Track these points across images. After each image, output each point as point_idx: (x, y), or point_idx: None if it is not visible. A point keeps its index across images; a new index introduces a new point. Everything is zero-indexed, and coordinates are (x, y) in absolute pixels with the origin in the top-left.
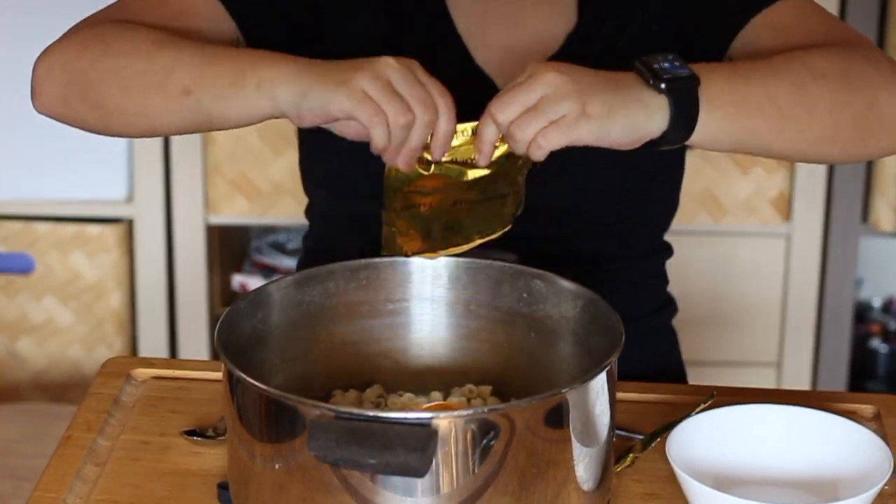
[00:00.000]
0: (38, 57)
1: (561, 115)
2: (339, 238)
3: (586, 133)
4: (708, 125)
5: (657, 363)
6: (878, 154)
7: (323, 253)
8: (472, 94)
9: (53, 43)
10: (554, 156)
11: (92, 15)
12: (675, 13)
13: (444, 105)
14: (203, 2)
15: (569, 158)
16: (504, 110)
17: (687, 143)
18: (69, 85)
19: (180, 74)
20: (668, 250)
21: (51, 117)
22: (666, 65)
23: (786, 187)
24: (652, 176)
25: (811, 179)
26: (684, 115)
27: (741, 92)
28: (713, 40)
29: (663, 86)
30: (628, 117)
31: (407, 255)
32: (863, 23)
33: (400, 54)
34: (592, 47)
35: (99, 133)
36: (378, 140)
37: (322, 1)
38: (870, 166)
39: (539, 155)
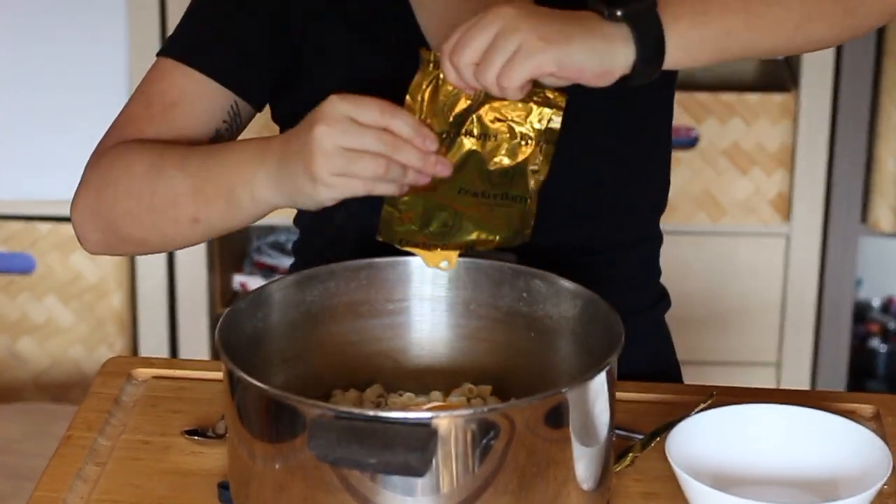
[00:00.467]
0: (71, 206)
1: (517, 45)
2: (327, 246)
3: (548, 60)
4: (677, 42)
5: (651, 359)
6: (869, 23)
7: (316, 253)
8: None
9: (78, 190)
10: None
11: (101, 140)
12: None
13: (391, 118)
14: (187, 81)
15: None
16: (460, 52)
17: (666, 67)
18: (103, 231)
19: (183, 206)
20: (659, 238)
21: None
22: None
23: (785, 187)
24: (641, 157)
25: (810, 179)
26: (650, 39)
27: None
28: None
29: (619, 13)
30: (588, 44)
31: (401, 246)
32: None
33: (373, 65)
34: None
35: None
36: (390, 189)
37: (300, 31)
38: (869, 167)
39: (510, 94)
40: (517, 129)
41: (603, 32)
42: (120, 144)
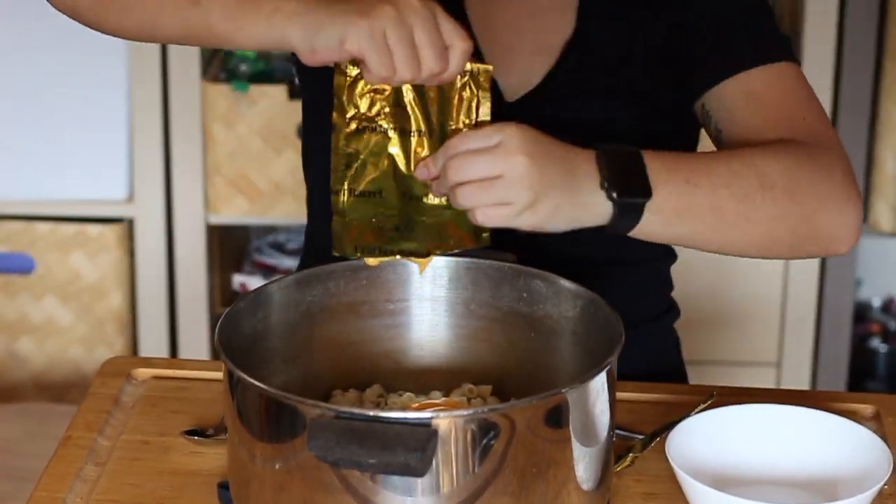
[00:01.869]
0: None
1: (512, 199)
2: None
3: (526, 224)
4: (646, 227)
5: (658, 366)
6: (810, 257)
7: (324, 250)
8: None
9: None
10: None
11: None
12: (672, 34)
13: (458, 53)
14: None
15: None
16: (460, 171)
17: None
18: None
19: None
20: (672, 255)
21: None
22: (626, 167)
23: None
24: None
25: None
26: (625, 223)
27: (688, 202)
28: (692, 77)
29: (615, 195)
30: (570, 216)
31: (357, 257)
32: (863, 23)
33: None
34: (591, 58)
35: (90, 26)
36: (376, 81)
37: None
38: (869, 167)
39: (476, 222)
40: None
41: (591, 205)
42: None
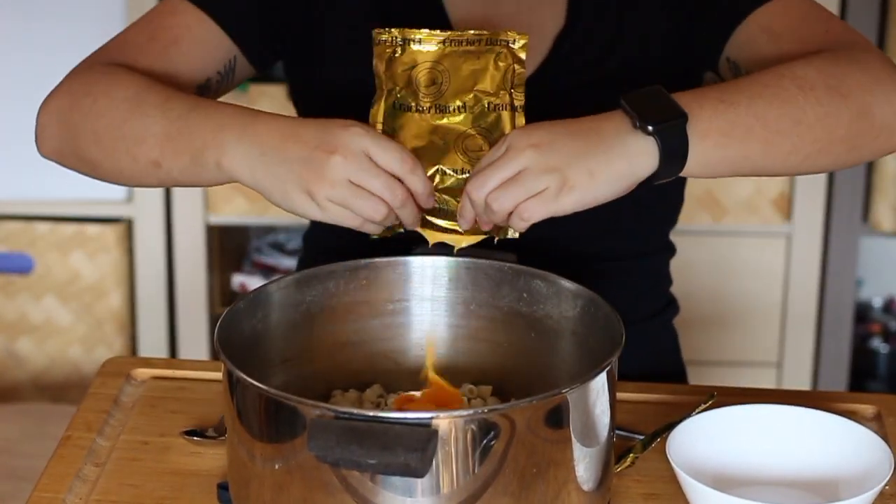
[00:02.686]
0: (42, 103)
1: (542, 188)
2: (340, 235)
3: (570, 204)
4: (698, 158)
5: (658, 363)
6: (872, 157)
7: (322, 251)
8: None
9: (55, 89)
10: None
11: (93, 53)
12: (669, 14)
13: (410, 171)
14: (195, 22)
15: None
16: (480, 189)
17: (681, 175)
18: (63, 140)
19: (149, 147)
20: (671, 249)
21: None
22: (653, 102)
23: (786, 187)
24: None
25: (812, 180)
26: (674, 154)
27: (730, 119)
28: (707, 41)
29: (651, 128)
30: (611, 174)
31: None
32: (863, 23)
33: None
34: (583, 49)
35: (97, 179)
36: (375, 231)
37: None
38: (870, 167)
39: (521, 227)
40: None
41: (627, 151)
42: (112, 65)
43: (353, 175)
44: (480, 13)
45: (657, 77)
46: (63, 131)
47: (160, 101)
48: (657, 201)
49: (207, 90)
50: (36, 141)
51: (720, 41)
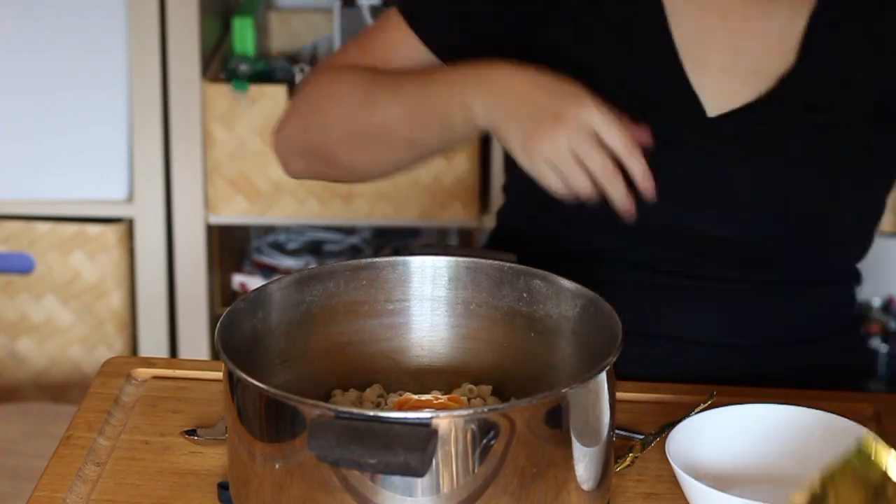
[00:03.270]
0: (275, 134)
1: None
2: (533, 212)
3: None
4: None
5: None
6: None
7: (514, 231)
8: (681, 116)
9: (285, 118)
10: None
11: (310, 75)
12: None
13: (630, 155)
14: (404, 39)
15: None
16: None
17: None
18: (309, 157)
19: (398, 130)
20: (856, 277)
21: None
22: None
23: None
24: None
25: None
26: None
27: None
28: None
29: None
30: None
31: None
32: None
33: (615, 64)
34: (808, 92)
35: (351, 183)
36: (574, 198)
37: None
38: None
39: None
40: None
41: None
42: (328, 72)
43: (574, 146)
44: (703, 37)
45: (872, 131)
46: (304, 151)
47: (389, 88)
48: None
49: None
50: (282, 167)
51: None
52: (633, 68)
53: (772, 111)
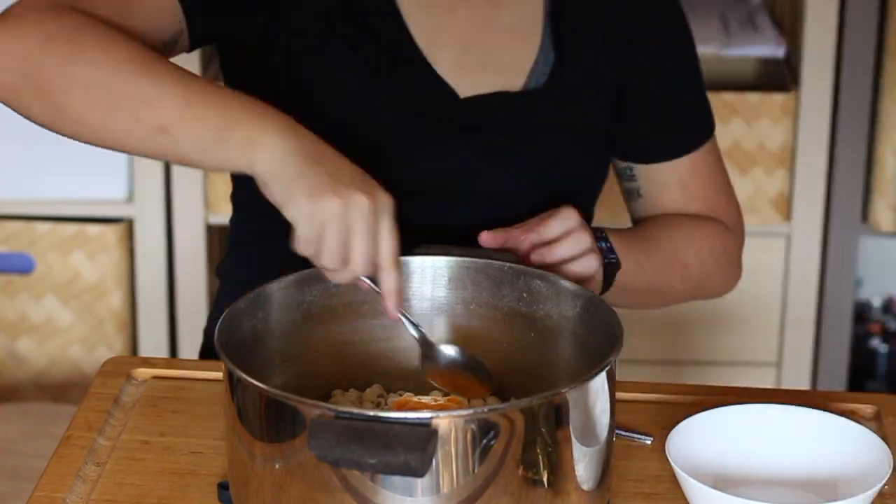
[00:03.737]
0: None
1: (587, 246)
2: (255, 271)
3: (594, 266)
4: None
5: None
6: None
7: (238, 284)
8: (433, 101)
9: (9, 17)
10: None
11: None
12: (622, 90)
13: (386, 269)
14: None
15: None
16: (541, 232)
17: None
18: (25, 77)
19: (159, 110)
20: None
21: None
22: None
23: (785, 187)
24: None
25: (811, 179)
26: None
27: (631, 280)
28: (626, 150)
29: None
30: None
31: None
32: (863, 23)
33: (357, 54)
34: (554, 83)
35: (45, 128)
36: (302, 254)
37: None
38: (869, 167)
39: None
40: None
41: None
42: (88, 16)
43: (354, 221)
44: (436, 30)
45: (602, 124)
46: (26, 68)
47: (175, 71)
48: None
49: None
50: None
51: (635, 159)
52: (376, 58)
53: (515, 102)
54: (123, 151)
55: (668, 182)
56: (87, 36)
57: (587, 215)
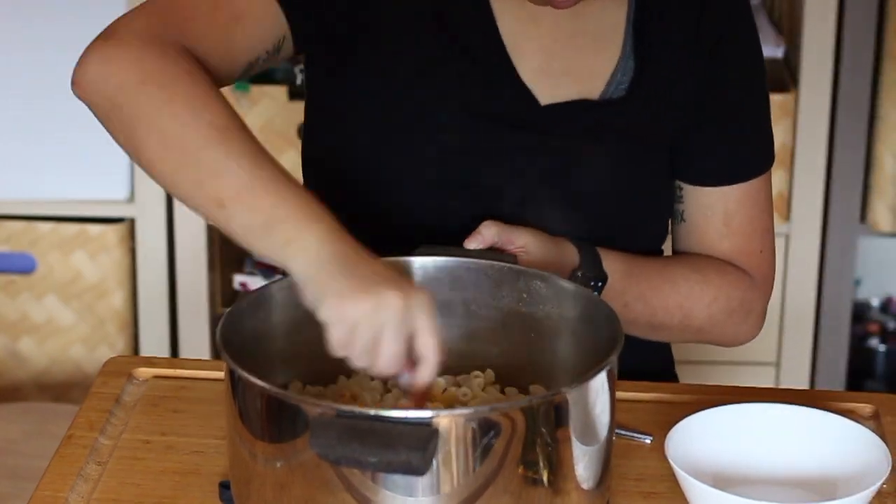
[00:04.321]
0: (98, 45)
1: None
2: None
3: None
4: None
5: (650, 364)
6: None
7: None
8: (514, 107)
9: (114, 39)
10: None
11: (146, 8)
12: (693, 106)
13: (425, 366)
14: (258, 2)
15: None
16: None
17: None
18: (115, 108)
19: (223, 185)
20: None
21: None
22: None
23: (784, 187)
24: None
25: (810, 179)
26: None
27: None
28: (681, 166)
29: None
30: None
31: None
32: (862, 23)
33: (447, 57)
34: (634, 94)
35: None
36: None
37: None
38: (869, 167)
39: None
40: None
41: None
42: (192, 64)
43: (385, 320)
44: (527, 27)
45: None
46: (118, 99)
47: (251, 147)
48: (646, 228)
49: (251, 69)
50: (74, 79)
51: (687, 178)
52: (463, 63)
53: (598, 109)
54: (184, 203)
55: (713, 209)
56: (180, 87)
57: (658, 229)
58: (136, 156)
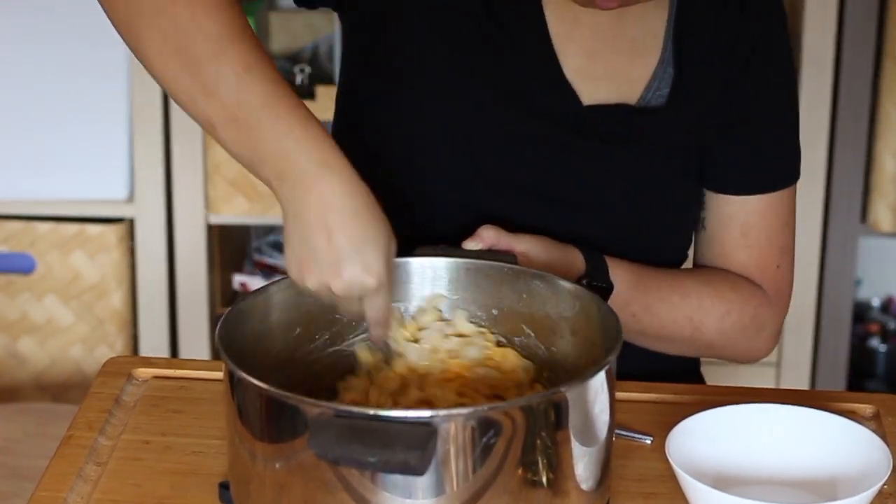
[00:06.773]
0: None
1: None
2: None
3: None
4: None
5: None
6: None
7: None
8: (557, 104)
9: None
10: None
11: None
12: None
13: (376, 323)
14: None
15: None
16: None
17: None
18: (118, 4)
19: (216, 107)
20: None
21: None
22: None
23: None
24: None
25: (810, 179)
26: None
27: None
28: (707, 172)
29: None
30: None
31: None
32: (862, 23)
33: (490, 46)
34: (675, 98)
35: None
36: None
37: None
38: (869, 167)
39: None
40: None
41: None
42: None
43: (343, 290)
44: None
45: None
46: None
47: (247, 64)
48: (669, 239)
49: None
50: None
51: (712, 185)
52: (508, 57)
53: (639, 114)
54: (182, 107)
55: (733, 219)
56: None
57: (680, 242)
58: (138, 54)
